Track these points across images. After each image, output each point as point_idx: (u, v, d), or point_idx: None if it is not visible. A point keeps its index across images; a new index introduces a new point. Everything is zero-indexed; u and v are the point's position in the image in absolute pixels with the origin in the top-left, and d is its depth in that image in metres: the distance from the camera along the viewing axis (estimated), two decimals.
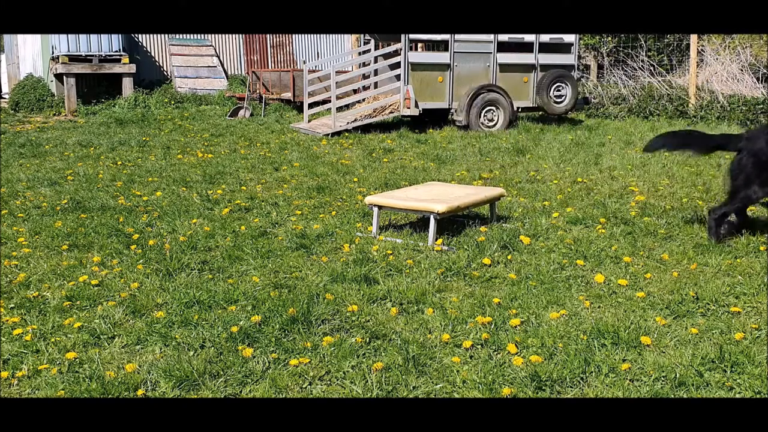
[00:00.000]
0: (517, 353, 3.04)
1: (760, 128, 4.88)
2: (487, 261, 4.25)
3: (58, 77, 14.03)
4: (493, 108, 10.79)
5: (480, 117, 10.69)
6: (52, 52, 14.06)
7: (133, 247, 4.64)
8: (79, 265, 4.31)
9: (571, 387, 2.79)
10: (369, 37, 12.50)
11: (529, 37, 11.17)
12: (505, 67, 11.04)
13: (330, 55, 16.34)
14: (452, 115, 10.96)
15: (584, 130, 10.57)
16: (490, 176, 7.09)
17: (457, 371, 2.90)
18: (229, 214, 5.55)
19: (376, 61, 11.56)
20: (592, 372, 2.88)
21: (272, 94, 13.66)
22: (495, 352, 3.08)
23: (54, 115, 13.69)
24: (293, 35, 16.56)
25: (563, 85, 11.26)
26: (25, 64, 15.95)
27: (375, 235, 4.86)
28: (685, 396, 2.71)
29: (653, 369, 2.89)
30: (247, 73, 15.52)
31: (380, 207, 4.90)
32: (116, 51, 14.13)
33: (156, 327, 3.34)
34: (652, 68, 13.42)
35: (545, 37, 11.25)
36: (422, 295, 3.72)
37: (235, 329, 3.27)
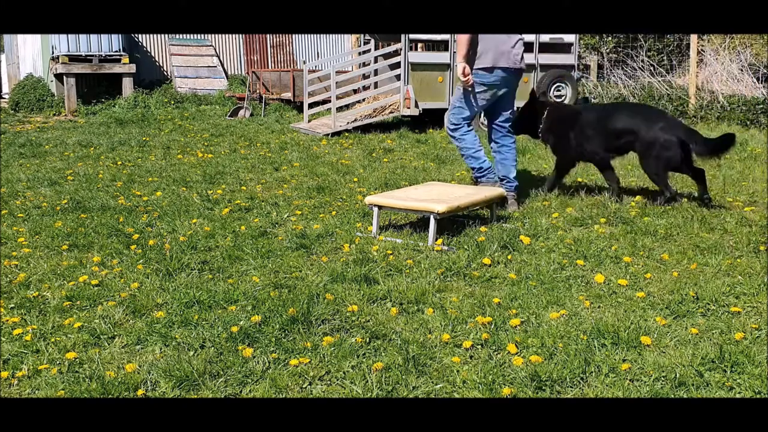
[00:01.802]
0: (517, 353, 3.04)
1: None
2: (487, 261, 4.25)
3: (58, 77, 14.03)
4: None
5: (480, 117, 10.68)
6: (52, 52, 14.06)
7: (133, 247, 4.64)
8: (79, 265, 4.31)
9: (571, 387, 2.79)
10: (369, 37, 12.50)
11: (529, 37, 11.16)
12: None
13: (330, 55, 16.33)
14: None
15: None
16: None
17: (457, 371, 2.90)
18: (229, 214, 5.55)
19: (376, 61, 11.56)
20: (592, 372, 2.88)
21: (272, 94, 13.66)
22: (495, 352, 3.08)
23: (54, 115, 13.69)
24: (293, 35, 16.56)
25: (563, 85, 11.26)
26: (25, 64, 15.96)
27: (375, 235, 4.86)
28: (685, 396, 2.71)
29: (653, 369, 2.89)
30: (247, 73, 15.52)
31: (380, 207, 4.90)
32: (116, 51, 14.13)
33: (156, 327, 3.34)
34: (652, 68, 13.41)
35: (545, 37, 11.25)
36: (422, 295, 3.72)
37: (235, 329, 3.27)
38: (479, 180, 5.68)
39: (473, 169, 5.69)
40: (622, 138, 5.74)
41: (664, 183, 5.71)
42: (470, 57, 5.39)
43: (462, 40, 5.36)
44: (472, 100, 5.55)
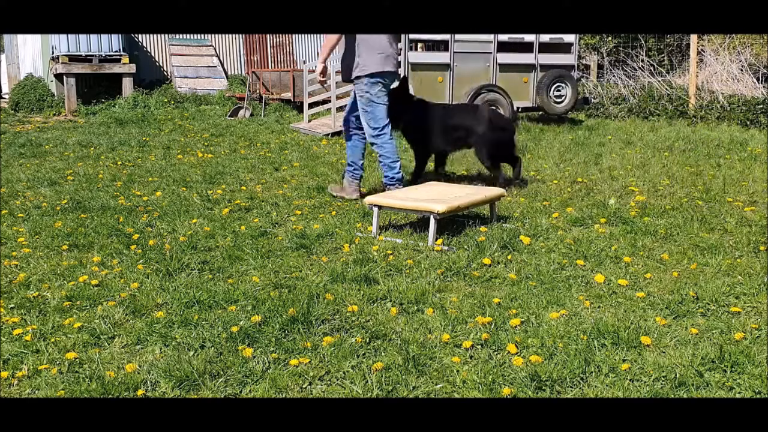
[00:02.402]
0: (517, 353, 3.04)
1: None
2: (487, 261, 4.25)
3: (58, 77, 14.03)
4: (493, 108, 10.78)
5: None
6: (52, 52, 14.05)
7: (133, 247, 4.63)
8: (79, 265, 4.31)
9: (571, 387, 2.79)
10: None
11: (529, 37, 11.16)
12: (505, 67, 11.03)
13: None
14: None
15: (584, 130, 10.57)
16: (490, 176, 7.08)
17: (457, 371, 2.90)
18: (229, 214, 5.55)
19: None
20: (592, 372, 2.88)
21: (272, 94, 13.65)
22: (495, 352, 3.08)
23: (54, 115, 13.69)
24: (293, 35, 16.54)
25: (563, 85, 11.25)
26: (25, 64, 15.95)
27: (375, 235, 4.86)
28: (685, 396, 2.71)
29: (653, 369, 2.89)
30: (247, 73, 15.51)
31: (380, 207, 4.90)
32: (116, 51, 14.12)
33: (156, 327, 3.34)
34: (652, 68, 13.42)
35: (545, 37, 11.24)
36: (422, 295, 3.72)
37: (235, 329, 3.27)
38: (386, 185, 5.98)
39: (386, 177, 5.99)
40: (457, 132, 6.47)
41: (497, 169, 6.54)
42: (372, 58, 5.71)
43: (331, 41, 5.65)
44: (378, 103, 5.84)
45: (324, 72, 5.78)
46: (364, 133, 6.07)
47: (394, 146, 5.94)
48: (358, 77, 5.78)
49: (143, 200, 6.11)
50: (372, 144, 5.99)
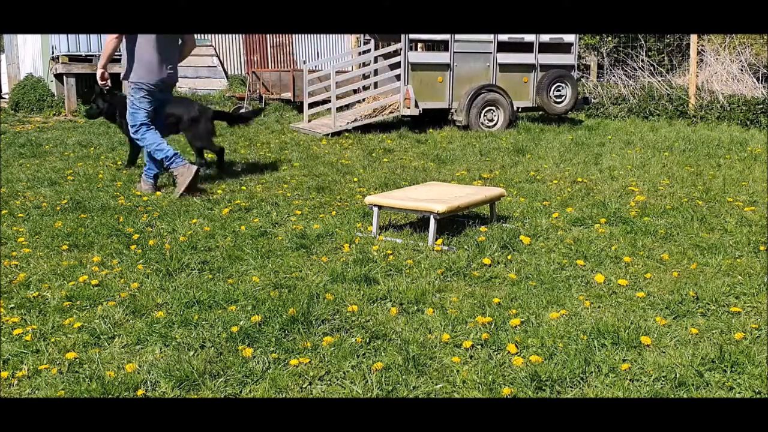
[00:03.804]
0: (517, 353, 3.04)
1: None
2: (487, 261, 4.25)
3: (58, 77, 14.02)
4: (493, 108, 10.79)
5: (480, 117, 10.69)
6: (52, 52, 14.05)
7: (133, 247, 4.63)
8: (79, 265, 4.31)
9: (571, 387, 2.79)
10: (369, 37, 12.50)
11: (529, 37, 11.16)
12: (505, 67, 11.03)
13: (330, 55, 16.32)
14: (452, 115, 10.96)
15: (584, 130, 10.57)
16: (490, 176, 7.09)
17: (457, 371, 2.90)
18: (229, 214, 5.55)
19: (376, 61, 11.55)
20: (592, 372, 2.88)
21: (272, 94, 13.65)
22: (495, 352, 3.08)
23: (54, 115, 13.68)
24: (293, 35, 16.55)
25: (563, 85, 11.25)
26: (25, 64, 15.94)
27: (375, 235, 4.86)
28: (685, 396, 2.71)
29: (653, 369, 2.89)
30: (247, 73, 15.51)
31: (380, 207, 4.90)
32: (116, 51, 14.10)
33: (156, 327, 3.34)
34: (652, 68, 13.41)
35: (545, 37, 11.25)
36: (422, 295, 3.72)
37: (235, 329, 3.27)
38: (170, 168, 6.31)
39: (162, 159, 6.31)
40: (169, 119, 7.07)
41: (212, 144, 7.52)
42: (139, 67, 6.19)
43: (110, 44, 6.13)
44: (141, 106, 6.33)
45: (103, 77, 6.25)
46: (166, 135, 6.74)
47: (154, 135, 6.33)
48: (128, 82, 6.26)
49: (143, 200, 6.11)
50: (134, 138, 6.49)
